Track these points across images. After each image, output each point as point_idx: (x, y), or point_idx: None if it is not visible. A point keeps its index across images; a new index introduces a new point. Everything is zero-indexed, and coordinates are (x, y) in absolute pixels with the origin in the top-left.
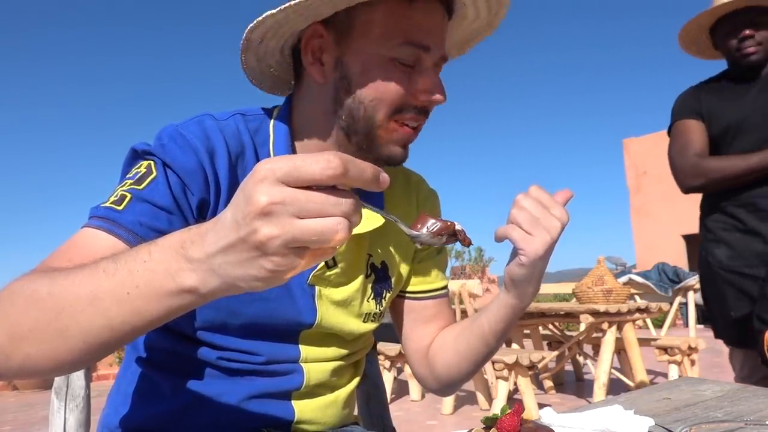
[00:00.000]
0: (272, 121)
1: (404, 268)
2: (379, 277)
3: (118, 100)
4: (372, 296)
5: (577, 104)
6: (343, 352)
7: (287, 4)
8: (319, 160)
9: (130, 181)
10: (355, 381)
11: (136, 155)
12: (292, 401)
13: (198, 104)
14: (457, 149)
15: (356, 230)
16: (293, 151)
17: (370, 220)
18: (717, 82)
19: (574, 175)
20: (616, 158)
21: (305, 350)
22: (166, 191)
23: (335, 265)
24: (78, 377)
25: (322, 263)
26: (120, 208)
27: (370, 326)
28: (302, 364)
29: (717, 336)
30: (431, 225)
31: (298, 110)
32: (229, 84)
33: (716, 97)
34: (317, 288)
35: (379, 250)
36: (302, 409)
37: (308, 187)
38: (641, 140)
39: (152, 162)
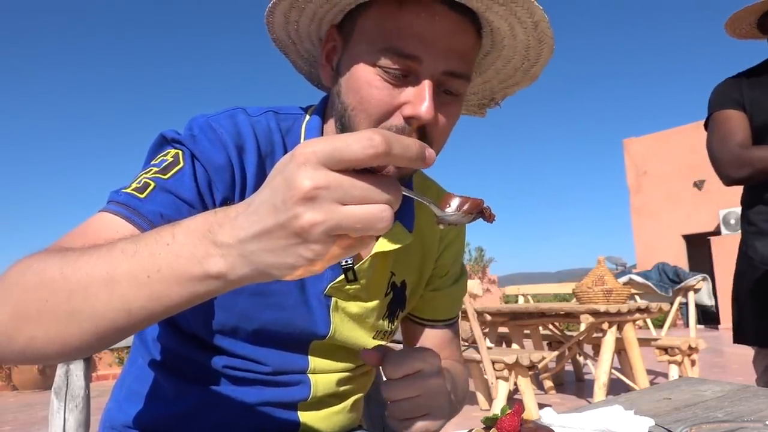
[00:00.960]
0: (305, 120)
1: (419, 290)
2: (397, 296)
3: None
4: (387, 314)
5: (578, 104)
6: (352, 365)
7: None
8: (361, 138)
9: (156, 169)
10: (364, 389)
11: (165, 141)
12: (298, 411)
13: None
14: (457, 149)
15: (384, 247)
16: None
17: (399, 237)
18: (758, 74)
19: (574, 175)
20: (616, 158)
21: (314, 361)
22: (192, 184)
23: (356, 279)
24: (78, 377)
25: (342, 276)
26: (142, 195)
27: (380, 343)
28: (310, 376)
29: (739, 339)
30: (460, 203)
31: (328, 112)
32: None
33: (759, 89)
34: (333, 299)
35: (402, 269)
36: (308, 419)
37: (351, 172)
38: (641, 140)
39: (180, 152)
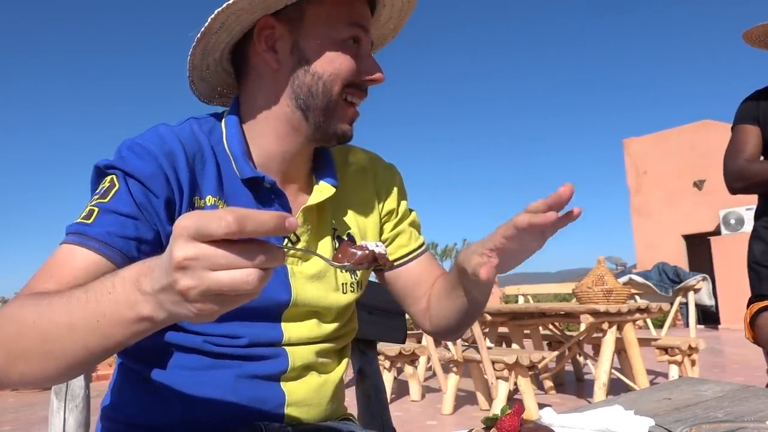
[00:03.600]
0: (223, 119)
1: (373, 236)
2: None
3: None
4: None
5: (578, 104)
6: (326, 330)
7: None
8: (216, 218)
9: (97, 197)
10: (341, 368)
11: (100, 172)
12: (281, 383)
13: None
14: (456, 149)
15: (311, 201)
16: (246, 143)
17: (321, 192)
18: None
19: (574, 175)
20: (616, 158)
21: (288, 331)
22: (129, 200)
23: (298, 240)
24: (78, 378)
25: (285, 239)
26: (89, 221)
27: (351, 297)
28: (285, 348)
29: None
30: (351, 256)
31: (248, 105)
32: None
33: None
34: (288, 266)
35: (345, 221)
36: (292, 390)
37: (221, 242)
38: (641, 140)
39: (114, 176)
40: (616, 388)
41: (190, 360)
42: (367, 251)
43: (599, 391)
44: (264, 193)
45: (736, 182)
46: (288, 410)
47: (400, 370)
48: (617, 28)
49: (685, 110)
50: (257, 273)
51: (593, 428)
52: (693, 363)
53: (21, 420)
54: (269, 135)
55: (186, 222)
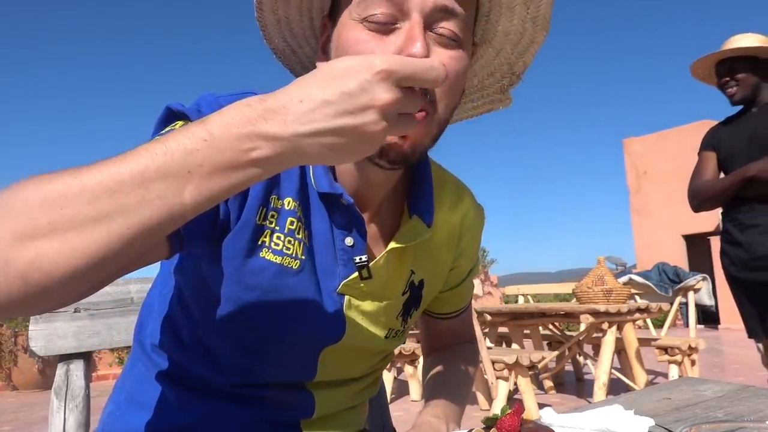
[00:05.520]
0: None
1: (436, 290)
2: (414, 294)
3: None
4: (401, 313)
5: (578, 104)
6: (359, 373)
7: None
8: (427, 66)
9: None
10: (369, 396)
11: (172, 115)
12: (302, 426)
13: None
14: (456, 149)
15: (400, 243)
16: None
17: (416, 231)
18: (732, 117)
19: (574, 175)
20: (616, 158)
21: (322, 369)
22: None
23: (370, 277)
24: (78, 377)
25: (356, 273)
26: None
27: (392, 343)
28: (313, 392)
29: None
30: None
31: None
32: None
33: (725, 130)
34: (347, 297)
35: (422, 267)
36: (312, 427)
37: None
38: (641, 140)
39: (188, 123)
40: (616, 388)
41: (212, 389)
42: None
43: (599, 391)
44: (339, 212)
45: (692, 200)
46: None
47: (400, 370)
48: (617, 27)
49: (685, 110)
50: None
51: (593, 428)
52: (693, 363)
53: (21, 420)
54: None
55: (393, 58)
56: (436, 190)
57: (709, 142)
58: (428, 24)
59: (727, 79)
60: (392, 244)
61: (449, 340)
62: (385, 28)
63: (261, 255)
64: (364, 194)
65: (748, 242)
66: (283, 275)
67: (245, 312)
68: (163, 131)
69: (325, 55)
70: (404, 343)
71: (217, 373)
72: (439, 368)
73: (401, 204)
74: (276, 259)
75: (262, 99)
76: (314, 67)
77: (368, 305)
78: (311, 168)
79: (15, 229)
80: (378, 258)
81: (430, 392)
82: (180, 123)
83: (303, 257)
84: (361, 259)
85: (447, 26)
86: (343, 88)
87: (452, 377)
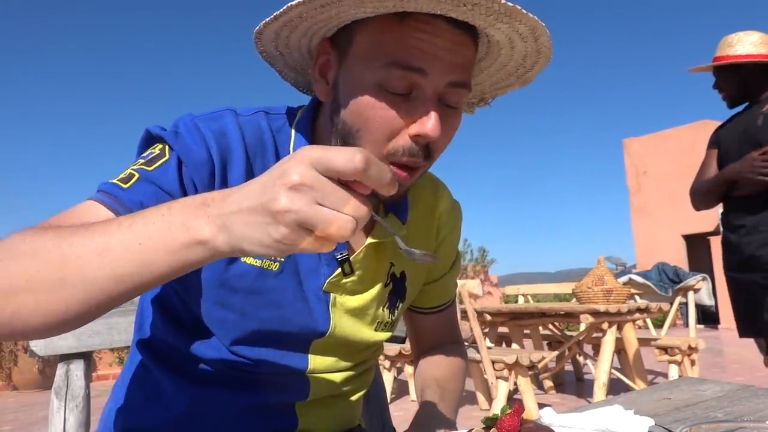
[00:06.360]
0: (295, 120)
1: (420, 281)
2: (397, 286)
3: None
4: (387, 305)
5: (578, 104)
6: (352, 362)
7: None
8: (346, 153)
9: (142, 161)
10: (362, 390)
11: (151, 137)
12: (297, 411)
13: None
14: (455, 149)
15: (378, 238)
16: None
17: (394, 228)
18: (735, 114)
19: (574, 175)
20: (616, 158)
21: (314, 361)
22: (175, 176)
23: (352, 272)
24: (78, 377)
25: (339, 270)
26: (126, 186)
27: (382, 335)
28: (309, 376)
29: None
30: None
31: (323, 113)
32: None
33: (726, 127)
34: (332, 295)
35: (401, 260)
36: (306, 418)
37: (336, 181)
38: (641, 140)
39: (167, 146)
40: (616, 388)
41: (208, 376)
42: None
43: (599, 391)
44: None
45: (692, 198)
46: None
47: (400, 370)
48: (617, 27)
49: (685, 110)
50: (353, 223)
51: (593, 428)
52: (693, 363)
53: (21, 420)
54: None
55: (312, 151)
56: (410, 188)
57: (712, 140)
58: (441, 96)
59: (716, 88)
60: (370, 239)
61: (436, 339)
62: (401, 98)
63: (242, 260)
64: None
65: (737, 242)
66: (263, 277)
67: (234, 312)
68: (145, 154)
69: (325, 80)
70: (394, 333)
71: (214, 357)
72: (428, 374)
73: (376, 204)
74: (256, 262)
75: (221, 190)
76: (299, 67)
77: (354, 301)
78: None
79: (3, 283)
80: (357, 252)
81: (420, 398)
82: (161, 145)
83: (282, 259)
84: (342, 254)
85: (455, 98)
86: (271, 172)
87: (443, 382)
